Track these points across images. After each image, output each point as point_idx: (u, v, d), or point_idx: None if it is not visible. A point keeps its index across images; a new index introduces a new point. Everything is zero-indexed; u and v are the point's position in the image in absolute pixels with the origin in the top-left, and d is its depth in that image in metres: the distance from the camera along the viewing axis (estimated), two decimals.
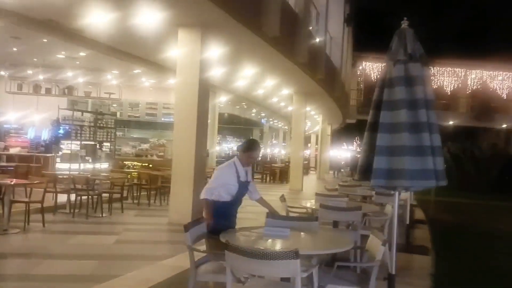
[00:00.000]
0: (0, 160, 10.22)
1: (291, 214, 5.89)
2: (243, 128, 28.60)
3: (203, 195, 4.13)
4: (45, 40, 10.00)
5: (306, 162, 29.99)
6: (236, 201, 4.22)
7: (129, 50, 11.67)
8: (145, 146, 14.55)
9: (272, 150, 35.41)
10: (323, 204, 5.33)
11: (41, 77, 13.77)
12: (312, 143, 46.67)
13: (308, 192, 17.30)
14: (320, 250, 3.38)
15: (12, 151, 12.62)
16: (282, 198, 6.18)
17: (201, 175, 9.06)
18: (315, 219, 4.22)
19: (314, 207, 6.08)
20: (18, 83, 13.34)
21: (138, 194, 11.27)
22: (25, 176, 9.97)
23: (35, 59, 12.33)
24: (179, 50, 8.97)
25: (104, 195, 9.40)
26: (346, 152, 43.99)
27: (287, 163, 22.53)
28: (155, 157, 14.23)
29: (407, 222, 7.09)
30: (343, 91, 21.23)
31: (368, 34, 31.06)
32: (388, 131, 3.77)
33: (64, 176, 9.73)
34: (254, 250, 2.80)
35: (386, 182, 3.75)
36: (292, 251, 2.68)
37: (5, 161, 10.08)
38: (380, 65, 34.76)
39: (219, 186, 4.12)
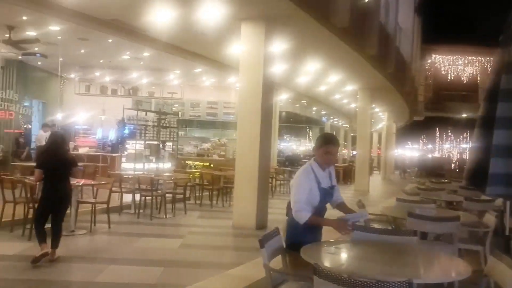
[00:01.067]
0: None
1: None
2: (303, 126, 27.90)
3: (303, 217, 3.45)
4: (110, 41, 10.04)
5: (370, 161, 28.77)
6: (319, 213, 3.63)
7: (191, 48, 11.51)
8: (206, 145, 14.40)
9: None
10: (412, 213, 4.63)
11: (107, 78, 14.06)
12: (374, 141, 45.03)
13: (375, 194, 16.35)
14: (438, 278, 2.72)
15: (81, 151, 12.94)
16: (360, 204, 5.54)
17: (265, 177, 8.62)
18: (413, 234, 3.55)
19: (393, 214, 5.37)
20: (86, 85, 13.68)
21: (201, 194, 11.06)
22: (93, 176, 10.09)
23: (101, 61, 12.54)
24: (242, 45, 8.56)
25: (167, 195, 9.26)
26: (411, 151, 41.85)
27: (350, 163, 21.61)
28: (216, 157, 14.03)
29: (507, 233, 6.16)
30: (412, 86, 19.94)
31: (439, 25, 29.11)
32: (508, 127, 3.05)
33: (129, 176, 9.69)
34: (356, 280, 2.20)
35: (506, 190, 3.03)
36: (404, 282, 2.07)
37: None
38: (451, 58, 32.65)
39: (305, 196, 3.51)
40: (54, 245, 5.55)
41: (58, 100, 14.92)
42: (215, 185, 10.84)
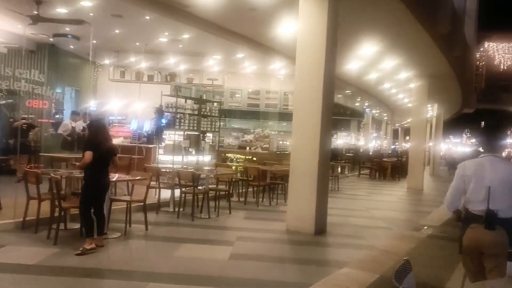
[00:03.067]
0: None
1: None
2: (344, 119, 26.31)
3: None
4: (147, 18, 8.98)
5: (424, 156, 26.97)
6: None
7: (236, 28, 10.36)
8: (248, 137, 13.24)
9: (375, 143, 32.59)
10: None
11: (143, 64, 13.12)
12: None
13: (431, 193, 14.79)
14: None
15: (115, 141, 12.01)
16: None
17: (325, 174, 7.36)
18: None
19: None
20: (121, 70, 12.76)
21: (246, 191, 9.94)
22: (127, 169, 9.12)
23: (137, 43, 11.56)
24: (301, 23, 7.29)
25: (210, 192, 8.19)
26: (460, 145, 39.42)
27: (399, 158, 20.00)
28: (259, 150, 12.86)
29: None
30: (472, 74, 18.12)
31: (494, 9, 26.81)
32: None
33: (168, 170, 8.66)
34: None
35: None
36: None
37: None
38: (507, 46, 30.16)
39: None
40: (100, 232, 5.58)
41: (91, 87, 14.13)
42: (262, 182, 9.68)
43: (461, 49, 12.31)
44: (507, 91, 29.50)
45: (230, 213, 8.39)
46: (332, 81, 7.41)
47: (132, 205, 6.69)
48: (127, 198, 6.72)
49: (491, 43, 28.85)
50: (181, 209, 7.99)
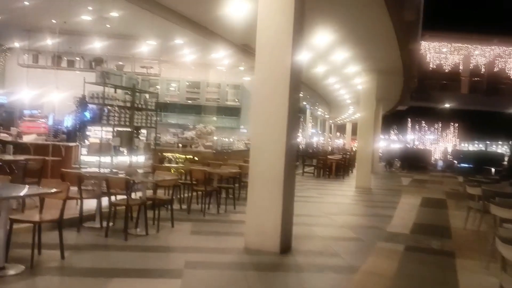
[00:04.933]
0: (7, 151, 7.46)
1: None
2: None
3: None
4: None
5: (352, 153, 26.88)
6: None
7: (174, 5, 8.80)
8: (189, 134, 11.69)
9: (316, 140, 32.26)
10: None
11: (62, 48, 11.05)
12: (348, 132, 43.43)
13: (379, 192, 14.22)
14: None
15: (26, 139, 9.93)
16: None
17: (292, 177, 6.11)
18: None
19: None
20: (33, 54, 10.61)
21: (189, 197, 8.46)
22: (39, 173, 7.26)
23: (53, 21, 9.54)
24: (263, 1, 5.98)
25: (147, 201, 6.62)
26: (387, 142, 40.51)
27: (344, 155, 19.44)
28: (201, 148, 11.38)
29: None
30: (415, 71, 17.94)
31: (427, 8, 27.37)
32: None
33: (92, 175, 6.95)
34: None
35: None
36: None
37: (11, 154, 7.33)
38: (438, 45, 31.12)
39: None
40: None
41: None
42: (208, 186, 8.25)
43: (415, 42, 11.73)
44: (438, 90, 30.44)
45: (172, 226, 6.89)
46: (300, 68, 6.17)
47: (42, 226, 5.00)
48: (35, 217, 4.98)
49: (423, 41, 29.49)
50: (110, 224, 6.38)
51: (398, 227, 8.03)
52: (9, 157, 7.20)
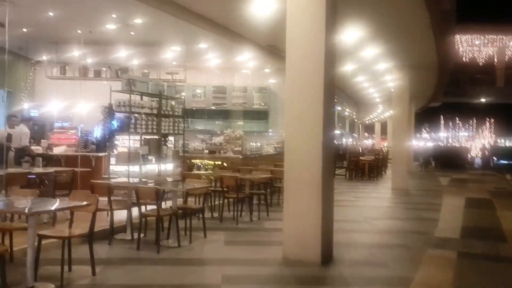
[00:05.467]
0: (36, 164, 7.35)
1: None
2: None
3: None
4: None
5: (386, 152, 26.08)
6: None
7: (199, 8, 8.57)
8: (218, 139, 11.43)
9: (345, 140, 31.56)
10: None
11: (88, 58, 11.03)
12: (377, 131, 42.36)
13: (418, 193, 13.57)
14: None
15: (56, 151, 9.91)
16: None
17: (331, 181, 5.72)
18: None
19: None
20: (61, 66, 10.60)
21: (221, 205, 8.17)
22: (69, 185, 7.12)
23: (79, 31, 9.47)
24: None
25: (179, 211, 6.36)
26: (422, 140, 39.29)
27: (377, 156, 18.80)
28: (230, 153, 11.09)
29: None
30: (451, 65, 17.18)
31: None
32: None
33: (123, 185, 6.76)
34: None
35: None
36: None
37: (41, 166, 7.22)
38: (470, 38, 29.98)
39: None
40: None
41: (27, 87, 11.84)
42: (240, 193, 7.93)
43: (451, 33, 11.12)
44: (471, 84, 29.23)
45: (205, 236, 6.60)
46: (334, 62, 5.78)
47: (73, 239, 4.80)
48: (64, 232, 4.77)
49: (456, 35, 28.38)
50: (141, 235, 6.14)
51: (446, 231, 7.48)
52: (38, 170, 7.09)
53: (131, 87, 7.63)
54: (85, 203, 4.40)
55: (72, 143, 10.47)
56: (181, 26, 9.20)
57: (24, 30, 9.41)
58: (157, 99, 8.49)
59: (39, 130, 11.75)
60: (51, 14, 8.18)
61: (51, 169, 7.14)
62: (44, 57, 11.90)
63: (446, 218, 8.92)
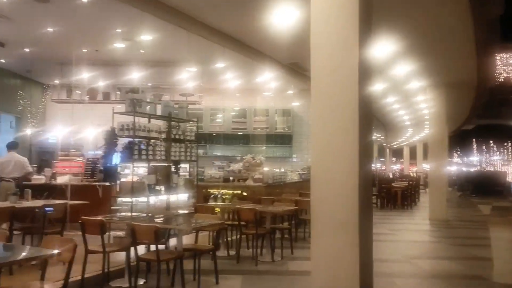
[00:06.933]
0: (25, 197, 6.46)
1: None
2: None
3: None
4: (84, 0, 6.24)
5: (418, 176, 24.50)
6: None
7: (215, 22, 7.75)
8: (236, 166, 10.43)
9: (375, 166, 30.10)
10: None
11: (96, 79, 10.34)
12: (405, 156, 40.65)
13: (460, 224, 12.15)
14: None
15: (60, 180, 9.07)
16: None
17: (369, 220, 4.59)
18: None
19: None
20: (67, 88, 9.93)
21: (238, 241, 7.09)
22: (62, 221, 6.20)
23: (84, 50, 8.77)
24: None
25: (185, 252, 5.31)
26: (455, 165, 37.32)
27: (410, 182, 17.39)
28: (250, 182, 10.06)
29: None
30: (489, 83, 15.88)
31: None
32: None
33: (117, 222, 5.79)
34: None
35: None
36: None
37: (29, 199, 6.33)
38: (505, 56, 28.49)
39: None
40: None
41: (36, 112, 11.22)
42: (260, 228, 6.84)
43: (495, 46, 9.98)
44: (506, 105, 27.58)
45: (217, 282, 5.51)
46: (370, 78, 4.73)
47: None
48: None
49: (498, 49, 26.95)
50: (141, 283, 5.13)
51: (508, 276, 6.16)
52: (27, 203, 6.20)
53: (135, 108, 6.76)
54: (55, 251, 3.39)
55: (78, 171, 9.65)
56: (195, 42, 8.38)
57: (27, 50, 8.78)
58: (167, 121, 7.61)
59: (48, 157, 11.05)
60: (50, 30, 7.47)
61: (39, 203, 6.23)
62: (57, 81, 11.32)
63: (502, 256, 7.51)
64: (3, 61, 9.84)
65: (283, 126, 13.64)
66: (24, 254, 3.58)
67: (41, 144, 11.30)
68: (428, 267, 6.82)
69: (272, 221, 7.52)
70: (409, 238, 9.69)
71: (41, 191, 8.34)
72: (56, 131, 10.52)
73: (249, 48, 9.42)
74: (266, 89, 13.03)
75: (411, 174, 30.21)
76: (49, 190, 8.43)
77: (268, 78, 11.56)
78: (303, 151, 13.13)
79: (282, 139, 13.41)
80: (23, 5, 6.48)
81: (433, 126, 13.30)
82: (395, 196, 16.07)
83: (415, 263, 7.10)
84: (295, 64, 10.84)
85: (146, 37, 8.27)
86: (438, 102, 13.06)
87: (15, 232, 6.12)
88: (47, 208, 6.38)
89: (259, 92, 13.39)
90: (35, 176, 9.32)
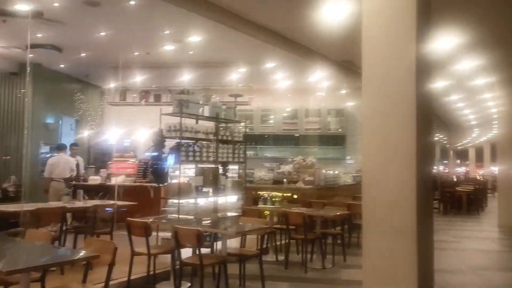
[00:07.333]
0: (77, 197, 6.60)
1: None
2: None
3: None
4: (132, 3, 6.27)
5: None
6: None
7: (265, 21, 7.56)
8: (286, 168, 10.16)
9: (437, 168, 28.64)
10: None
11: (147, 81, 10.53)
12: (471, 158, 38.31)
13: None
14: None
15: (114, 181, 9.26)
16: None
17: (429, 224, 4.15)
18: None
19: None
20: (121, 90, 10.19)
21: (287, 245, 6.82)
22: (111, 221, 6.26)
23: (136, 53, 8.91)
24: None
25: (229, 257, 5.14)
26: None
27: (477, 186, 16.21)
28: (301, 184, 9.75)
29: None
30: None
31: None
32: None
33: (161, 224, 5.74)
34: None
35: None
36: None
37: (81, 200, 6.46)
38: None
39: None
40: None
41: (95, 115, 11.66)
42: (309, 233, 6.53)
43: None
44: None
45: None
46: (428, 75, 4.30)
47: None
48: None
49: None
50: (186, 287, 5.02)
51: None
52: (79, 203, 6.33)
53: (182, 109, 6.70)
54: (92, 254, 3.33)
55: (131, 172, 9.85)
56: (244, 42, 8.25)
57: (83, 54, 9.06)
58: (215, 122, 7.50)
59: (106, 159, 11.40)
60: (102, 34, 7.63)
61: (90, 203, 6.33)
62: (112, 84, 11.68)
63: None
64: (62, 66, 10.25)
65: (336, 126, 13.17)
66: (60, 256, 3.54)
67: (98, 145, 11.67)
68: (497, 280, 6.17)
69: (323, 226, 7.19)
70: (475, 247, 8.92)
71: (96, 191, 8.60)
72: (112, 133, 10.83)
73: (300, 46, 9.11)
74: (318, 89, 12.64)
75: (478, 177, 28.30)
76: (104, 191, 8.67)
77: (320, 77, 11.18)
78: (358, 152, 12.59)
79: (335, 140, 12.94)
80: (75, 10, 6.64)
81: (502, 126, 12.27)
82: (460, 200, 15.01)
83: (482, 274, 6.45)
84: (348, 61, 10.38)
85: (195, 38, 8.25)
86: (508, 100, 12.00)
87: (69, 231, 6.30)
88: (107, 209, 6.52)
89: (311, 92, 13.02)
90: (91, 177, 9.64)
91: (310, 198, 8.75)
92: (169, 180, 8.02)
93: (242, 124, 8.52)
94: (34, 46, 8.36)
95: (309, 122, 13.21)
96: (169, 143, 7.23)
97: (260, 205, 7.99)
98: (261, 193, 9.27)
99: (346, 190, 10.27)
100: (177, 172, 7.96)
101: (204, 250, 5.62)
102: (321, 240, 6.81)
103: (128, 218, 5.31)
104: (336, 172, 10.86)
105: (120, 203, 6.81)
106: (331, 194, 9.48)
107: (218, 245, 6.02)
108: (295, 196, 9.29)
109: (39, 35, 7.76)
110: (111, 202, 6.68)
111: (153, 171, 8.86)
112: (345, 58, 10.17)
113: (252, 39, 8.07)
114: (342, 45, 8.83)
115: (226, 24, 7.52)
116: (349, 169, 12.06)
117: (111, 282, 5.17)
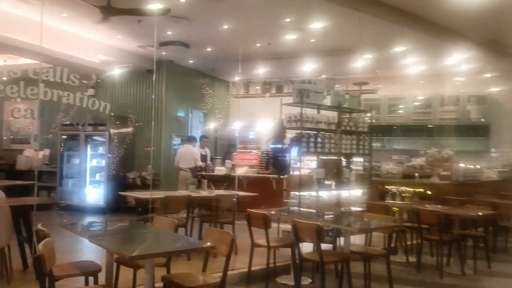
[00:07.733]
0: (202, 186, 6.80)
1: None
2: None
3: None
4: None
5: None
6: None
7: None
8: (417, 161, 9.26)
9: None
10: None
11: (269, 73, 10.53)
12: None
13: None
14: None
15: (238, 172, 9.49)
16: None
17: None
18: None
19: None
20: (244, 83, 10.37)
21: (419, 245, 6.15)
22: (233, 211, 6.32)
23: (257, 44, 8.93)
24: None
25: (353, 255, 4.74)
26: None
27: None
28: (435, 179, 8.79)
29: None
30: None
31: None
32: None
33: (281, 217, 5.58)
34: None
35: None
36: None
37: (205, 189, 6.62)
38: None
39: None
40: None
41: (221, 108, 12.15)
42: (445, 233, 5.78)
43: None
44: None
45: None
46: None
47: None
48: (195, 280, 3.73)
49: None
50: (306, 283, 4.80)
51: None
52: (203, 193, 6.53)
53: (303, 98, 6.46)
54: (208, 244, 3.27)
55: (254, 163, 9.98)
56: (368, 25, 7.63)
57: (209, 49, 9.40)
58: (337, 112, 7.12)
59: (231, 150, 11.80)
60: (225, 27, 7.76)
61: (213, 193, 6.48)
62: (236, 77, 12.02)
63: None
64: (191, 61, 10.81)
65: (477, 115, 11.63)
66: (178, 245, 3.57)
67: (224, 137, 12.12)
68: None
69: (462, 226, 6.33)
70: None
71: (222, 182, 8.90)
72: (236, 125, 11.14)
73: (433, 25, 8.16)
74: (456, 74, 11.28)
75: None
76: (229, 181, 8.92)
77: (458, 60, 9.94)
78: (505, 144, 10.98)
79: (476, 131, 11.42)
80: (199, 5, 6.84)
81: None
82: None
83: None
84: (493, 40, 9.05)
85: (317, 25, 7.92)
86: None
87: (195, 218, 6.57)
88: (234, 199, 6.63)
89: (447, 78, 11.69)
90: (217, 168, 10.02)
91: (446, 195, 7.84)
92: (290, 172, 7.93)
93: (368, 114, 7.97)
94: (164, 43, 8.93)
95: (444, 111, 11.89)
96: (291, 134, 7.11)
97: (388, 201, 7.38)
98: (388, 187, 8.59)
99: (490, 187, 9.03)
100: (298, 164, 7.84)
101: (326, 246, 5.34)
102: (459, 242, 6.00)
103: (248, 209, 5.26)
104: (478, 166, 9.61)
105: (241, 193, 6.85)
106: (471, 191, 8.37)
107: (341, 241, 5.71)
108: (429, 192, 8.42)
109: (169, 33, 8.23)
110: (233, 192, 6.74)
111: (275, 162, 8.90)
112: (490, 37, 8.88)
113: (377, 20, 7.44)
114: (486, 23, 7.71)
115: (351, 6, 7.04)
116: (493, 163, 10.58)
117: (233, 272, 5.24)
